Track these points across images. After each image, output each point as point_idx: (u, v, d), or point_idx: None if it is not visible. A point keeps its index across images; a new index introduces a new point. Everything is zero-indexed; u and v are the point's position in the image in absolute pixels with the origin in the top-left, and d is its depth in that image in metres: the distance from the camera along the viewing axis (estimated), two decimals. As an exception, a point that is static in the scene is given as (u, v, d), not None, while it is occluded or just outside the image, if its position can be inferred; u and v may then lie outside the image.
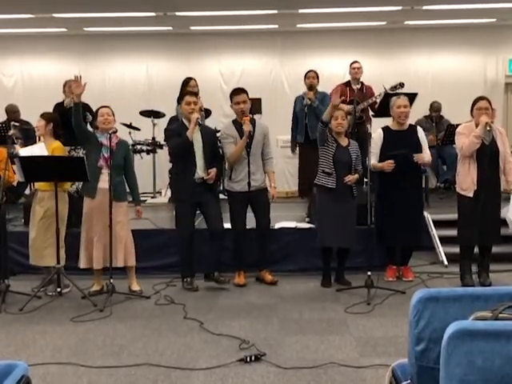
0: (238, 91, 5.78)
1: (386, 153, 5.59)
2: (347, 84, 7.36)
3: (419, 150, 5.67)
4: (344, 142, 5.63)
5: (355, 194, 5.60)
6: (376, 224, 5.66)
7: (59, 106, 7.25)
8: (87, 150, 5.51)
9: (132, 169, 5.64)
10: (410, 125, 5.81)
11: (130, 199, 5.72)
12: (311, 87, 6.94)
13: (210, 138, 5.78)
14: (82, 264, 5.49)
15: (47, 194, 5.42)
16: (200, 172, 5.58)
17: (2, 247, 5.36)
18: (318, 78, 7.14)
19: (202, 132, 5.66)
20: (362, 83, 7.35)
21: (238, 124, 5.73)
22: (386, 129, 5.72)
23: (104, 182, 5.34)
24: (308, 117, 6.92)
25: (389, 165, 5.51)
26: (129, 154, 5.68)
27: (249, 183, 5.72)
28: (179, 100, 5.82)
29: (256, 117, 6.40)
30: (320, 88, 7.25)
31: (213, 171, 5.61)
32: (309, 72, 7.10)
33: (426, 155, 5.70)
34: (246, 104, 5.72)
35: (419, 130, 5.82)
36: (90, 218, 5.41)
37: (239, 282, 5.82)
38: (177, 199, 5.82)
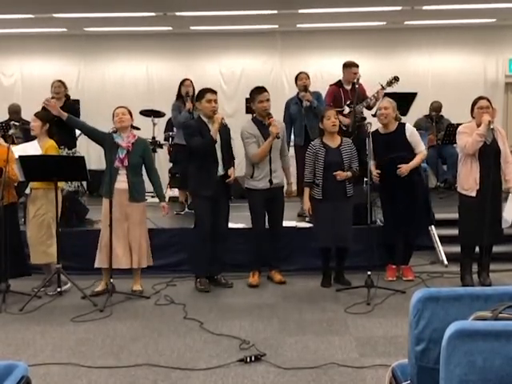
0: (260, 90, 5.73)
1: (380, 157, 5.64)
2: (339, 85, 7.21)
3: (408, 149, 5.65)
4: (335, 142, 5.61)
5: (348, 194, 5.59)
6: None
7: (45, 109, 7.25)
8: (104, 151, 5.50)
9: (152, 166, 5.60)
10: (400, 124, 5.75)
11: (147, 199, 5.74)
12: (306, 88, 6.91)
13: (227, 135, 5.76)
14: (97, 263, 5.46)
15: (39, 193, 5.44)
16: (220, 169, 5.60)
17: (17, 246, 5.40)
18: (309, 78, 7.09)
19: (220, 129, 5.62)
20: (353, 82, 7.26)
21: (258, 123, 5.70)
22: (374, 133, 5.70)
23: (120, 183, 5.35)
24: (306, 118, 6.88)
25: (375, 176, 5.58)
26: (147, 152, 5.60)
27: (270, 180, 5.72)
28: (199, 97, 5.74)
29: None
30: (319, 88, 7.22)
31: (232, 171, 5.65)
32: (301, 74, 7.03)
33: (416, 157, 5.68)
34: (269, 102, 5.70)
35: (407, 128, 5.74)
36: (108, 218, 5.40)
37: (252, 282, 5.77)
38: (197, 195, 5.77)
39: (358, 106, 6.93)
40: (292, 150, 7.26)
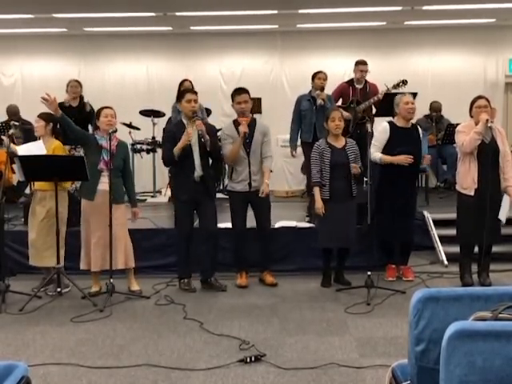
0: (239, 91, 5.75)
1: (391, 149, 5.58)
2: (350, 83, 7.27)
3: (417, 147, 5.68)
4: (340, 143, 5.62)
5: (354, 194, 5.60)
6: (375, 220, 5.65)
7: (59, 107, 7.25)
8: (86, 152, 5.49)
9: (130, 170, 5.64)
10: (412, 123, 5.81)
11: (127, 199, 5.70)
12: (323, 88, 6.94)
13: (210, 136, 5.65)
14: (82, 265, 5.49)
15: (48, 194, 5.42)
16: (199, 170, 5.56)
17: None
18: (327, 79, 7.10)
19: (199, 131, 5.55)
20: (366, 81, 7.30)
21: (237, 124, 5.71)
22: (391, 124, 5.71)
23: (103, 184, 5.33)
24: (317, 116, 6.89)
25: (407, 159, 5.50)
26: (128, 155, 5.67)
27: (249, 183, 5.71)
28: (179, 98, 5.78)
29: (256, 116, 6.36)
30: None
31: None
32: (319, 73, 7.01)
33: (426, 157, 5.82)
34: (247, 104, 5.70)
35: (419, 128, 5.86)
36: (89, 219, 5.41)
37: (241, 283, 5.77)
38: (176, 198, 5.80)
39: (359, 106, 6.95)
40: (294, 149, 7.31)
